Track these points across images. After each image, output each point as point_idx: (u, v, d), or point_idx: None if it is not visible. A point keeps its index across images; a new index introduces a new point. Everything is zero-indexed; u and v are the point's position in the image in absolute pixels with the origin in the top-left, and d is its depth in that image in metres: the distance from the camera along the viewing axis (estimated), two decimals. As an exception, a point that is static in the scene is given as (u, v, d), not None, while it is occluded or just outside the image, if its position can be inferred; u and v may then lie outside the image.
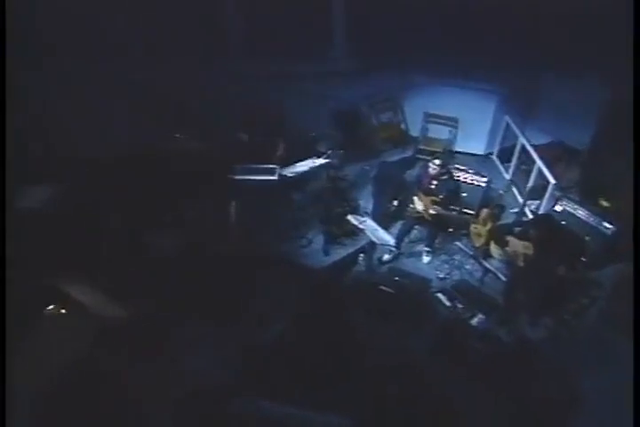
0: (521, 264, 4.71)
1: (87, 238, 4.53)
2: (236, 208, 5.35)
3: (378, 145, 7.11)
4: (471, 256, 5.34)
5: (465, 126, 6.99)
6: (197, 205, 5.30)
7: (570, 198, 5.44)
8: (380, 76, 6.94)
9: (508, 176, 6.80)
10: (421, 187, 5.41)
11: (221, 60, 6.49)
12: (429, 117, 7.11)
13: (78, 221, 4.47)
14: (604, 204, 5.46)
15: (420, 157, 7.14)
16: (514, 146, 6.66)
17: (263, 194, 5.48)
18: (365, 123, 7.09)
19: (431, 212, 5.30)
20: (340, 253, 5.68)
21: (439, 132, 7.17)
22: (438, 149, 6.97)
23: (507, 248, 4.78)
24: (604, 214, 5.12)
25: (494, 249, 5.12)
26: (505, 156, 7.02)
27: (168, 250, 4.94)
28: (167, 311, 4.61)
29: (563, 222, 5.03)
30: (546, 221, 4.68)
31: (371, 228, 5.13)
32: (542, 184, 5.80)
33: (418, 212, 5.45)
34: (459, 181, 5.79)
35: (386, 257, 5.76)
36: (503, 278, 4.89)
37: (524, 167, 6.58)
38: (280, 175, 5.40)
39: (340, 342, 4.55)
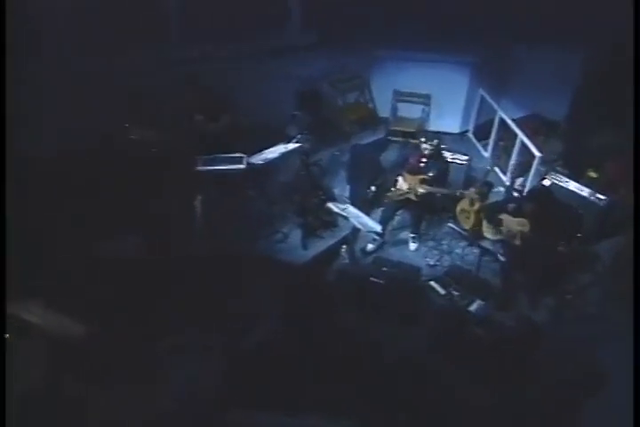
0: (517, 243, 4.73)
1: (29, 246, 4.16)
2: (202, 203, 5.10)
3: (346, 128, 7.01)
4: (466, 239, 5.32)
5: (438, 103, 6.99)
6: (158, 203, 5.02)
7: (558, 171, 5.54)
8: (342, 51, 6.80)
9: (486, 154, 6.87)
10: (408, 166, 5.33)
11: (166, 41, 6.18)
12: (399, 95, 7.07)
13: (17, 226, 4.08)
14: (593, 175, 5.59)
15: (392, 138, 7.11)
16: (490, 122, 6.73)
17: (231, 186, 5.26)
18: (330, 104, 6.96)
19: (420, 191, 5.23)
20: (319, 246, 5.55)
21: (411, 111, 7.15)
22: (411, 130, 6.98)
23: (501, 227, 4.78)
24: (595, 186, 5.24)
25: (487, 229, 5.12)
26: (481, 133, 7.08)
27: (128, 253, 4.66)
28: (134, 323, 4.34)
29: (555, 196, 5.09)
30: (540, 195, 4.72)
31: (354, 215, 5.02)
32: (527, 159, 5.91)
33: (401, 194, 5.37)
34: (449, 161, 5.73)
35: (370, 247, 5.67)
36: (502, 259, 4.90)
37: (502, 144, 6.69)
38: (248, 164, 5.19)
39: (334, 341, 4.43)
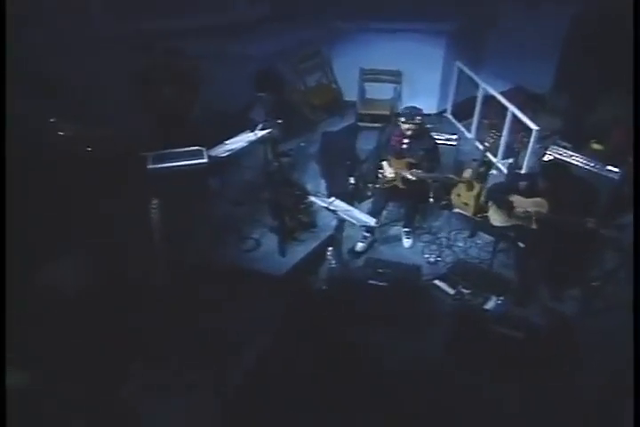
0: (534, 227, 4.61)
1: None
2: (159, 208, 4.66)
3: (310, 115, 6.78)
4: (475, 227, 5.18)
5: (410, 80, 6.88)
6: (106, 209, 4.60)
7: (559, 145, 5.52)
8: (298, 25, 6.58)
9: (470, 135, 6.81)
10: (391, 149, 5.10)
11: (98, 18, 5.71)
12: (366, 74, 6.92)
13: None
14: (596, 146, 5.61)
15: (362, 124, 6.93)
16: (471, 99, 6.68)
17: (190, 185, 4.89)
18: (291, 89, 6.71)
19: (408, 177, 5.01)
20: (300, 251, 5.28)
21: (381, 92, 7.00)
22: (384, 112, 6.82)
23: (517, 210, 4.64)
24: (602, 158, 5.25)
25: (494, 216, 4.97)
26: (461, 112, 7.03)
27: (70, 279, 4.19)
28: (88, 366, 3.88)
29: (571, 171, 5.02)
30: (554, 171, 4.62)
31: (342, 208, 4.73)
32: (521, 134, 5.86)
33: (387, 182, 5.14)
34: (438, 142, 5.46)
35: (359, 246, 5.43)
36: (521, 246, 4.78)
37: (486, 122, 6.64)
38: (210, 157, 4.82)
39: (338, 361, 4.14)
